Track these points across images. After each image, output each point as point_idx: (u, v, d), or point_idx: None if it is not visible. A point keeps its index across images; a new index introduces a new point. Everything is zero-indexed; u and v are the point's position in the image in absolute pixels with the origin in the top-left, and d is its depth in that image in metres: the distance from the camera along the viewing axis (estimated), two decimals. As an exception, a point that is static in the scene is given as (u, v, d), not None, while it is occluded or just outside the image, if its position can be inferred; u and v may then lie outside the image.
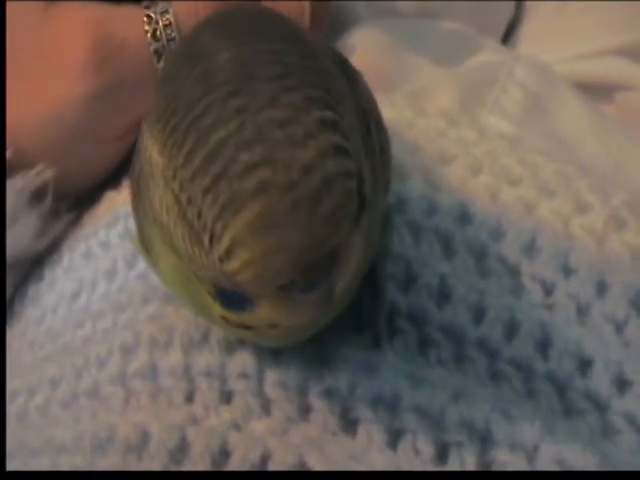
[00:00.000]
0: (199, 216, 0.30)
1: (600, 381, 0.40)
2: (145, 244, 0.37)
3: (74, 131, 0.52)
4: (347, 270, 0.31)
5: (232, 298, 0.33)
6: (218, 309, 0.34)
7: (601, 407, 0.40)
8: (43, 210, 0.53)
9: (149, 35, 0.51)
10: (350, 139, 0.31)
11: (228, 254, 0.29)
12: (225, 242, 0.29)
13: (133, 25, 0.51)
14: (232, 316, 0.34)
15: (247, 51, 0.33)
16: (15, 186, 0.52)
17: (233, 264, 0.29)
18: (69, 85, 0.51)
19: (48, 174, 0.53)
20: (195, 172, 0.30)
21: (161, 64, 0.50)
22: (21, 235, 0.53)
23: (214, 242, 0.29)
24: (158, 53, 0.51)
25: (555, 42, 0.65)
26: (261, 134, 0.29)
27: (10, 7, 0.53)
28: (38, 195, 0.53)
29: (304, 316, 0.32)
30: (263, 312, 0.32)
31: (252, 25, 0.35)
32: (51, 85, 0.52)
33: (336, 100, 0.32)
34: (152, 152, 0.33)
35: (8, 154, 0.52)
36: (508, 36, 0.67)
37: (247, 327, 0.35)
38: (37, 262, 0.55)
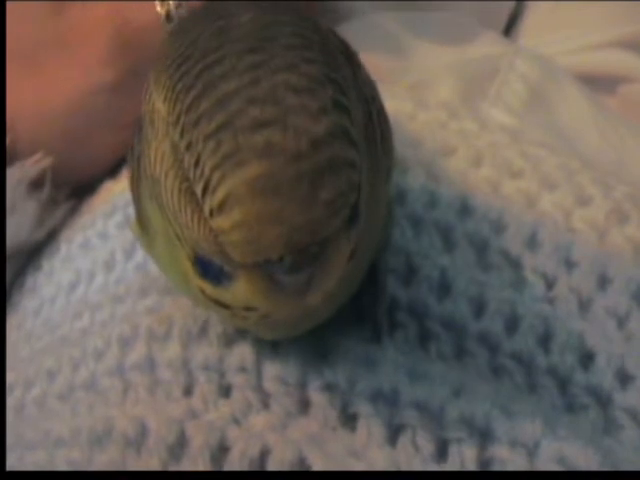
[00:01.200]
0: (196, 163, 0.29)
1: (602, 375, 0.40)
2: (143, 225, 0.37)
3: (95, 119, 0.52)
4: (332, 270, 0.30)
5: (210, 268, 0.32)
6: (196, 279, 0.33)
7: (603, 402, 0.39)
8: (42, 199, 0.53)
9: (163, 17, 0.51)
10: (357, 130, 0.30)
11: (220, 208, 0.28)
12: (220, 194, 0.28)
13: (147, 10, 0.51)
14: (209, 288, 0.33)
15: (269, 18, 0.32)
16: (14, 175, 0.52)
17: (223, 221, 0.28)
18: (93, 73, 0.52)
19: (46, 162, 0.52)
20: (200, 116, 0.29)
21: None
22: (20, 225, 0.52)
23: (208, 192, 0.28)
24: None
25: (557, 34, 0.65)
26: (275, 94, 0.28)
27: (15, 6, 0.53)
28: (36, 184, 0.53)
29: (279, 303, 0.31)
30: (239, 289, 0.31)
31: (271, 3, 0.35)
32: (73, 74, 0.52)
33: (347, 86, 0.31)
34: (156, 101, 0.31)
35: (8, 139, 0.52)
36: (510, 28, 0.67)
37: (223, 305, 0.33)
38: (35, 252, 0.54)
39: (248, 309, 0.33)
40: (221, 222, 0.28)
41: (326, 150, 0.28)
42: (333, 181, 0.28)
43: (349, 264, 0.31)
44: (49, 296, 0.50)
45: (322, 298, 0.31)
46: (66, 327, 0.46)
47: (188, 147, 0.29)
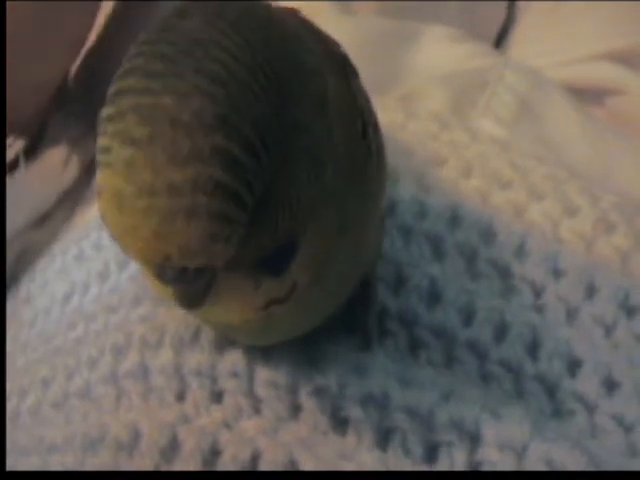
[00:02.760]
0: None
1: (589, 382, 0.40)
2: None
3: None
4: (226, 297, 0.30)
5: None
6: None
7: (590, 408, 0.40)
8: None
9: None
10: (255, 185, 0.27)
11: (99, 191, 0.27)
12: (99, 181, 0.27)
13: None
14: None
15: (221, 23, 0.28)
16: None
17: (101, 207, 0.27)
18: None
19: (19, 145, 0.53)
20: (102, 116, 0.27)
21: None
22: None
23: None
24: None
25: (547, 46, 0.65)
26: (154, 118, 0.26)
27: None
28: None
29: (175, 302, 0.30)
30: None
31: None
32: None
33: (256, 130, 0.27)
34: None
35: None
36: (500, 40, 0.67)
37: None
38: (28, 264, 0.55)
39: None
40: (99, 205, 0.27)
41: (181, 198, 0.26)
42: (184, 228, 0.26)
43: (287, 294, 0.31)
44: (43, 307, 0.51)
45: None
46: (61, 337, 0.47)
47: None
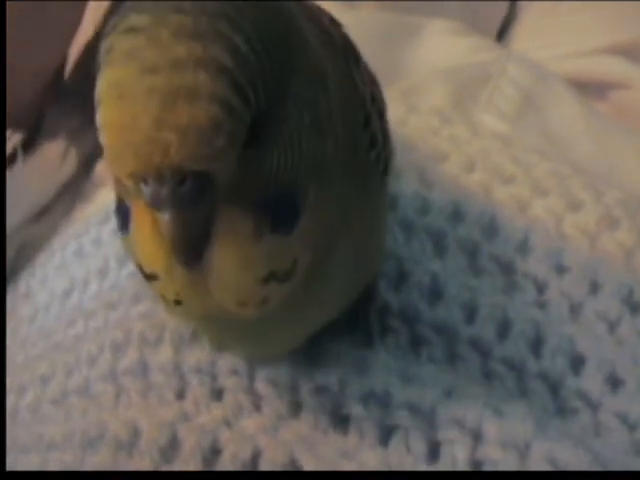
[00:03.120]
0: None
1: (592, 380, 0.40)
2: None
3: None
4: (227, 240, 0.28)
5: (122, 215, 0.30)
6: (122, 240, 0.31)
7: (594, 405, 0.39)
8: None
9: None
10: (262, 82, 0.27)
11: (97, 104, 0.26)
12: (97, 92, 0.26)
13: None
14: (124, 244, 0.31)
15: None
16: None
17: (98, 119, 0.26)
18: None
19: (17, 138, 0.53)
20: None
21: None
22: None
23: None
24: None
25: (550, 39, 0.65)
26: (159, 6, 0.26)
27: None
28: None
29: (170, 263, 0.28)
30: (135, 236, 0.29)
31: None
32: None
33: (263, 37, 0.27)
34: None
35: None
36: (503, 33, 0.67)
37: (147, 275, 0.30)
38: (28, 259, 0.55)
39: (151, 277, 0.30)
40: (97, 119, 0.27)
41: (184, 75, 0.26)
42: (185, 109, 0.25)
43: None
44: (43, 303, 0.50)
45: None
46: (60, 334, 0.46)
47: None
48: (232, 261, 0.29)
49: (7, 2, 0.54)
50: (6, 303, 0.54)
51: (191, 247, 0.28)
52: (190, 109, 0.25)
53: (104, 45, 0.26)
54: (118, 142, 0.26)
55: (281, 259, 0.30)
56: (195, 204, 0.27)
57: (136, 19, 0.26)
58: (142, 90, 0.25)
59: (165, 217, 0.27)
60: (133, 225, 0.29)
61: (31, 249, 0.55)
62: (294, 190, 0.29)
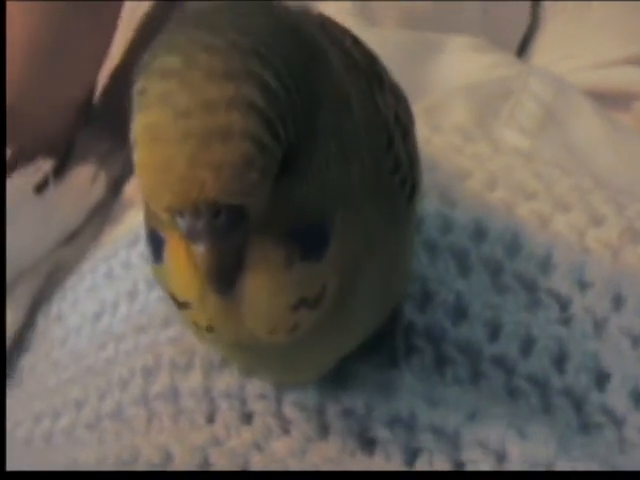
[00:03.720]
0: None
1: (617, 395, 0.40)
2: None
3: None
4: (260, 267, 0.29)
5: (155, 244, 0.31)
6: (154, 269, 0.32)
7: (618, 421, 0.40)
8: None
9: None
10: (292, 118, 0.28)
11: (134, 145, 0.27)
12: (133, 132, 0.27)
13: None
14: (156, 274, 0.32)
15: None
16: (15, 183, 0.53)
17: (135, 157, 0.27)
18: None
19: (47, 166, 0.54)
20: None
21: None
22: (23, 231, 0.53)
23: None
24: None
25: (572, 51, 0.65)
26: (189, 48, 0.27)
27: None
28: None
29: (203, 290, 0.29)
30: (168, 265, 0.30)
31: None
32: None
33: (292, 72, 0.28)
34: None
35: None
36: (523, 48, 0.67)
37: (180, 303, 0.31)
38: (59, 282, 0.55)
39: (184, 305, 0.31)
40: (135, 158, 0.28)
41: (217, 116, 0.26)
42: (219, 148, 0.26)
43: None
44: (75, 326, 0.51)
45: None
46: (92, 357, 0.47)
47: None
48: (264, 289, 0.30)
49: (37, 33, 0.55)
50: (38, 326, 0.55)
51: (225, 276, 0.29)
52: (224, 148, 0.26)
53: (137, 86, 0.27)
54: (154, 182, 0.27)
55: (311, 285, 0.31)
56: (229, 235, 0.28)
57: (168, 61, 0.27)
58: (176, 134, 0.26)
59: (200, 248, 0.28)
60: (167, 255, 0.30)
61: (62, 272, 0.56)
62: (323, 218, 0.30)
